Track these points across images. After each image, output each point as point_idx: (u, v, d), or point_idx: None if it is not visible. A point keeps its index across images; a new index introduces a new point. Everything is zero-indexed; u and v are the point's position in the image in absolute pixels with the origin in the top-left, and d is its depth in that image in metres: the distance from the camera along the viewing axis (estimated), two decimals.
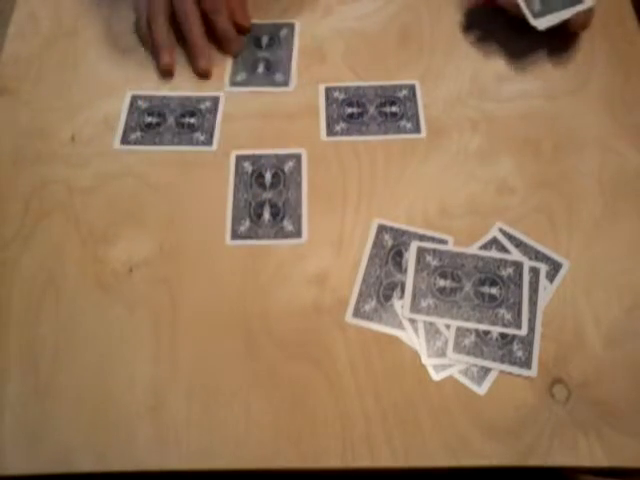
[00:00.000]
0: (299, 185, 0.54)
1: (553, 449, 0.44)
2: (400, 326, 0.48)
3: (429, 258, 0.50)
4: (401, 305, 0.49)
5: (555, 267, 0.50)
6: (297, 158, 0.56)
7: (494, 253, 0.50)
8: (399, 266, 0.50)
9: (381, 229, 0.52)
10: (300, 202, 0.54)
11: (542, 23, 0.57)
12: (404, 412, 0.45)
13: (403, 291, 0.49)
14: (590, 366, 0.47)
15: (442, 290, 0.49)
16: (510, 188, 0.54)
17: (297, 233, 0.52)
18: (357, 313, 0.49)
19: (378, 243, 0.51)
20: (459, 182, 0.55)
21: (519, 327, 0.48)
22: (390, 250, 0.51)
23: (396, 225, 0.52)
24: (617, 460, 0.44)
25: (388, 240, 0.51)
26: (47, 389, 0.46)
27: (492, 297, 0.49)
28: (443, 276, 0.50)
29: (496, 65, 0.61)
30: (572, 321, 0.48)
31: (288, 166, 0.55)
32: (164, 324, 0.49)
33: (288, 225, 0.52)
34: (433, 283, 0.49)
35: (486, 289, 0.49)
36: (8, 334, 0.48)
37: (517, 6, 0.57)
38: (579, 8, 0.57)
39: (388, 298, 0.49)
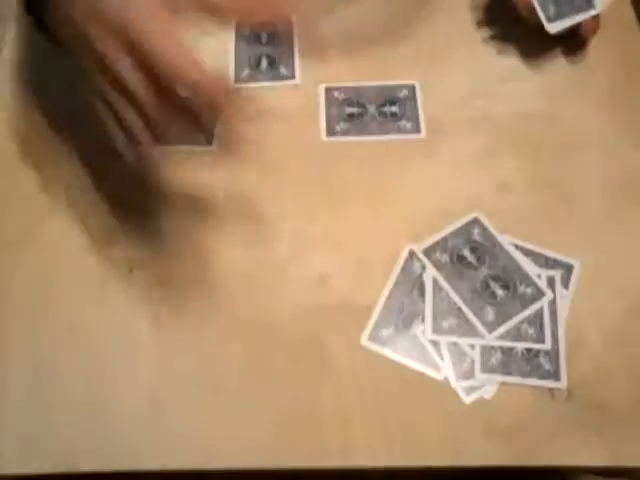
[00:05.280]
0: None
1: (553, 449, 0.44)
2: (419, 352, 0.47)
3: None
4: (422, 330, 0.48)
5: (568, 271, 0.50)
6: None
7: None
8: (423, 296, 0.49)
9: (411, 255, 0.50)
10: None
11: (554, 27, 0.57)
12: (404, 412, 0.45)
13: (424, 318, 0.48)
14: (590, 366, 0.47)
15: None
16: (510, 188, 0.54)
17: None
18: (374, 337, 0.48)
19: (406, 269, 0.50)
20: (459, 182, 0.55)
21: (542, 341, 0.47)
22: (418, 278, 0.50)
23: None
24: (617, 460, 0.44)
25: (417, 268, 0.50)
26: (47, 389, 0.46)
27: None
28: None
29: (496, 65, 0.61)
30: (572, 322, 0.48)
31: None
32: (164, 324, 0.49)
33: None
34: (453, 302, 0.49)
35: None
36: (8, 334, 0.48)
37: (530, 10, 0.57)
38: (591, 13, 0.58)
39: (408, 326, 0.48)
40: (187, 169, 0.55)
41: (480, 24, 0.63)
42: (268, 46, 0.63)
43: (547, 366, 0.46)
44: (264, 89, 0.60)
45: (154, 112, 0.41)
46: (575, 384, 0.46)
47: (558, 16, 0.57)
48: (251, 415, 0.45)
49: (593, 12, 0.58)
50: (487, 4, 0.64)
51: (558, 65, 0.61)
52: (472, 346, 0.47)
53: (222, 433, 0.45)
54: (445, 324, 0.48)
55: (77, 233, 0.52)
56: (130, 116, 0.42)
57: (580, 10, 0.58)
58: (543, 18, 0.57)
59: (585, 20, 0.58)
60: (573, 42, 0.61)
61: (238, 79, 0.61)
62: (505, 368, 0.46)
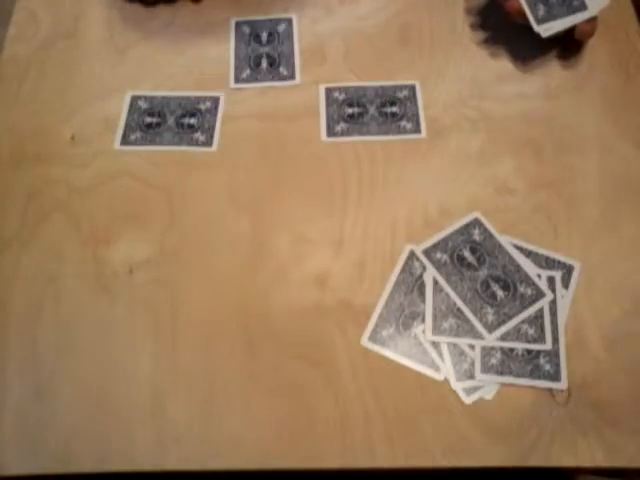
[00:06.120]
0: None
1: (553, 450, 0.44)
2: (420, 352, 0.47)
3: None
4: (422, 330, 0.48)
5: (568, 271, 0.50)
6: None
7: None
8: (423, 296, 0.49)
9: (412, 255, 0.51)
10: None
11: (546, 31, 0.57)
12: (404, 412, 0.45)
13: (424, 318, 0.48)
14: (590, 367, 0.47)
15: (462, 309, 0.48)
16: (510, 188, 0.54)
17: None
18: (374, 338, 0.48)
19: (406, 269, 0.50)
20: (459, 182, 0.55)
21: (543, 341, 0.47)
22: (418, 279, 0.50)
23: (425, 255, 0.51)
24: (617, 460, 0.44)
25: (417, 268, 0.50)
26: (47, 389, 0.46)
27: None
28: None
29: (496, 65, 0.61)
30: (572, 322, 0.48)
31: None
32: (164, 324, 0.49)
33: None
34: (453, 303, 0.49)
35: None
36: (8, 334, 0.48)
37: (522, 14, 0.57)
38: (582, 16, 0.57)
39: (408, 326, 0.48)
40: (187, 169, 0.56)
41: (480, 25, 0.63)
42: (268, 46, 0.63)
43: (547, 367, 0.46)
44: (264, 89, 0.60)
45: None
46: (575, 384, 0.46)
47: (548, 17, 0.57)
48: (251, 415, 0.45)
49: (587, 15, 0.57)
50: (485, 6, 0.64)
51: (558, 65, 0.61)
52: (472, 347, 0.47)
53: (222, 433, 0.45)
54: (445, 324, 0.48)
55: (77, 233, 0.52)
56: None
57: (572, 12, 0.57)
58: (532, 20, 0.57)
59: (580, 23, 0.57)
60: (572, 43, 0.61)
61: (238, 79, 0.61)
62: (505, 369, 0.46)
